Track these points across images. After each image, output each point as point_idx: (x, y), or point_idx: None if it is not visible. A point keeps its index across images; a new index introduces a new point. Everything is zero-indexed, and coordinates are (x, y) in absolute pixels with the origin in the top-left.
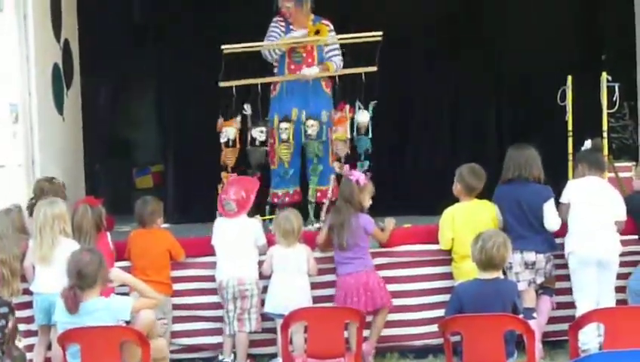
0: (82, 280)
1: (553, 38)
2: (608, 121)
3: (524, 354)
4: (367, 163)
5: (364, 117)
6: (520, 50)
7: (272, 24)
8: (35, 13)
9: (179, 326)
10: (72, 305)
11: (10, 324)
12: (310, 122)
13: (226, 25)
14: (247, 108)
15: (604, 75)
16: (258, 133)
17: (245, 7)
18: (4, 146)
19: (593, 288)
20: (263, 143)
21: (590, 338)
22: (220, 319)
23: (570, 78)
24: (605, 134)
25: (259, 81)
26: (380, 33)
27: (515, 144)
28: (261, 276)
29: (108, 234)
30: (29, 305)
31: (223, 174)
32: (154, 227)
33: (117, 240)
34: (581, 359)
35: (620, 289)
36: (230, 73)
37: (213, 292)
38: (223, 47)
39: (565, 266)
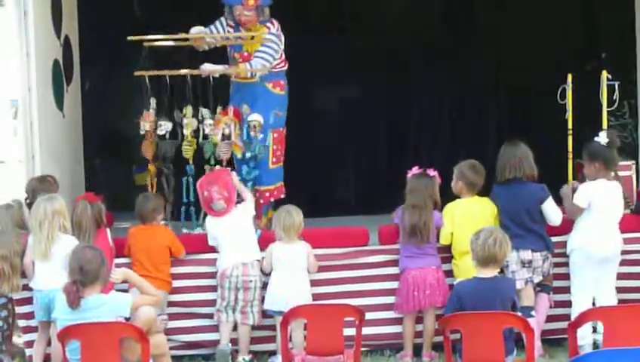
0: (84, 276)
1: (553, 36)
2: (608, 120)
3: (523, 352)
4: (255, 172)
5: (255, 117)
6: (520, 48)
7: (220, 19)
8: (36, 9)
9: (178, 323)
10: (74, 299)
11: (10, 318)
12: (206, 121)
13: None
14: (152, 103)
15: (604, 74)
16: (159, 127)
17: None
18: (5, 142)
19: (592, 286)
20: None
21: (585, 333)
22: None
23: (570, 76)
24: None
25: (170, 73)
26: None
27: (507, 141)
28: (262, 273)
29: (107, 230)
30: (28, 301)
31: (150, 166)
32: (154, 223)
33: (116, 236)
34: (580, 357)
35: (624, 290)
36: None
37: (212, 289)
38: (128, 38)
39: (564, 265)
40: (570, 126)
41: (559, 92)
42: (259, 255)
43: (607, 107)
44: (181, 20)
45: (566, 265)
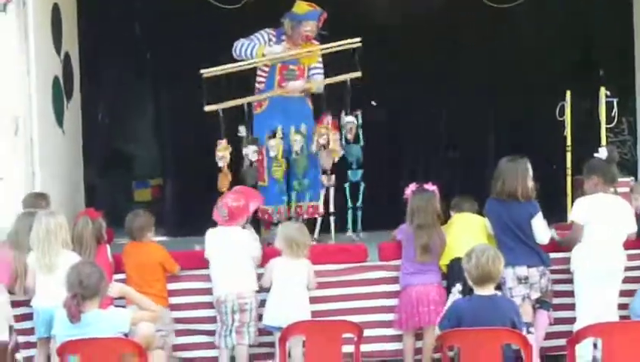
0: (84, 289)
1: (553, 52)
2: (607, 136)
3: None
4: (360, 172)
5: (349, 122)
6: (520, 64)
7: (262, 31)
8: (36, 27)
9: (177, 339)
10: (75, 313)
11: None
12: (295, 137)
13: (224, 42)
14: (242, 130)
15: (603, 90)
16: (252, 153)
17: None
18: (5, 159)
19: (596, 303)
20: (252, 162)
21: (585, 350)
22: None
23: (568, 92)
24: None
25: (243, 101)
26: (359, 39)
27: (508, 156)
28: (260, 288)
29: (107, 246)
30: (28, 317)
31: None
32: (144, 240)
33: (116, 252)
34: None
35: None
36: (214, 94)
37: (210, 305)
38: (202, 71)
39: (564, 281)
40: (568, 142)
41: (558, 109)
42: (253, 282)
43: (606, 124)
44: (180, 40)
45: (567, 281)
